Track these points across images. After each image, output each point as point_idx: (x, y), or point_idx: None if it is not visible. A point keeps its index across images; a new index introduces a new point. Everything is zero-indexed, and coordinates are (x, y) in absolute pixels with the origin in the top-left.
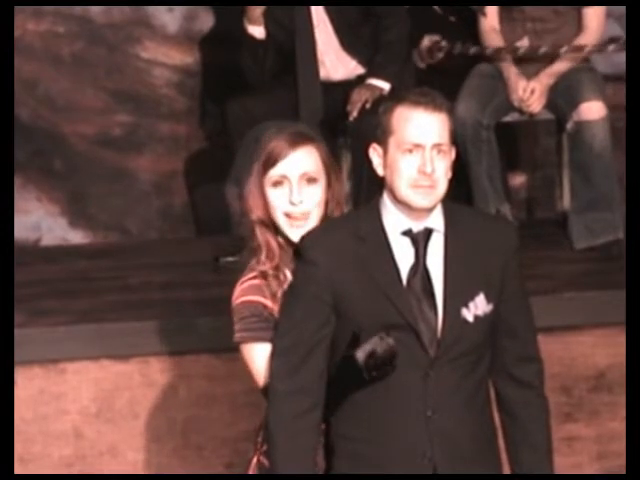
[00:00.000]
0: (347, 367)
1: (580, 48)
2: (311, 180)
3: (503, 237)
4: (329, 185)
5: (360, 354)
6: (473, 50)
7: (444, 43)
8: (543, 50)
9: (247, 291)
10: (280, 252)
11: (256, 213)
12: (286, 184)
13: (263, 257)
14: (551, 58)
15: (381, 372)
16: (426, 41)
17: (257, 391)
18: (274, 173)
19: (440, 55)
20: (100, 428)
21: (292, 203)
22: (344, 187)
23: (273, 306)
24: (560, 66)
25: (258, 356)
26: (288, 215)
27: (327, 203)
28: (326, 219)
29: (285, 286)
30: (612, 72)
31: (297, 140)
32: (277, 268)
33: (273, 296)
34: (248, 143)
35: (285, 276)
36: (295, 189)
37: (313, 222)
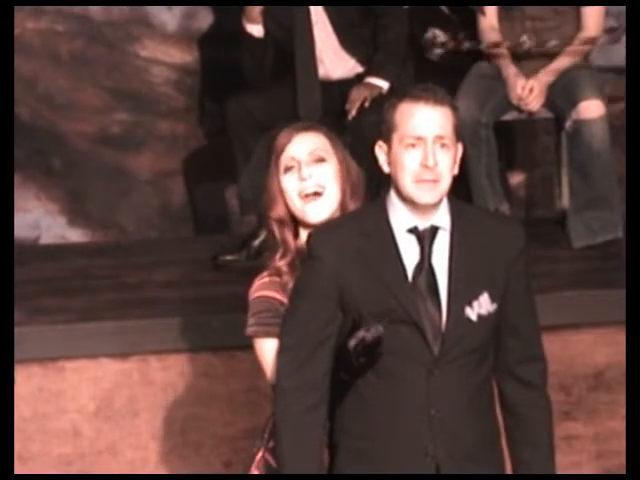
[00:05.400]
0: (341, 355)
1: (585, 41)
2: (319, 160)
3: (510, 237)
4: (342, 170)
5: (352, 341)
6: (468, 45)
7: (443, 38)
8: (530, 45)
9: (264, 286)
10: (296, 250)
11: (275, 211)
12: (296, 168)
13: (279, 254)
14: (550, 56)
15: (369, 359)
16: (428, 34)
17: (256, 389)
18: (284, 157)
19: (438, 51)
20: (99, 426)
21: (302, 179)
22: (360, 175)
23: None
24: (559, 65)
25: (269, 351)
26: (301, 195)
27: (343, 189)
28: (344, 206)
29: None
30: (610, 65)
31: (302, 126)
32: (292, 265)
33: (284, 289)
34: (261, 148)
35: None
36: (304, 166)
37: (328, 201)
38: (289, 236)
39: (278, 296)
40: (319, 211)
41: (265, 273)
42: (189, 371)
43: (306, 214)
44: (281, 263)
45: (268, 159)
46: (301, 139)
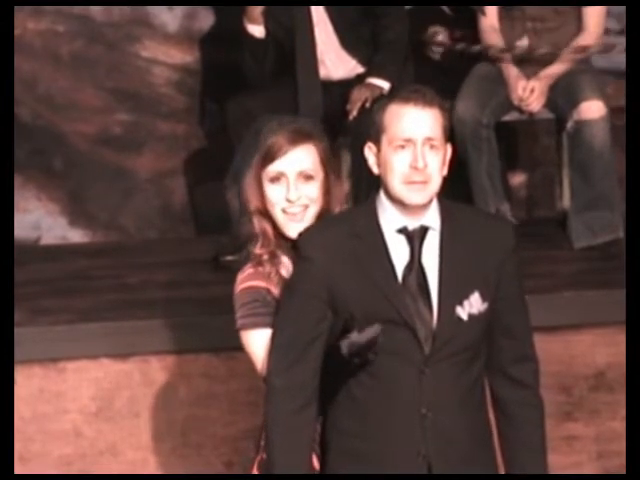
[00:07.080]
0: (333, 356)
1: (580, 50)
2: (308, 178)
3: (500, 236)
4: (328, 183)
5: (344, 342)
6: (471, 48)
7: (442, 38)
8: (542, 51)
9: (248, 278)
10: (276, 239)
11: (254, 204)
12: (283, 181)
13: (259, 244)
14: (550, 59)
15: (362, 359)
16: (428, 34)
17: (256, 389)
18: (272, 169)
19: (439, 50)
20: (100, 427)
21: (289, 200)
22: (344, 185)
23: (274, 289)
24: (560, 65)
25: (258, 342)
26: (285, 211)
27: (326, 200)
28: (325, 214)
29: (281, 269)
30: (611, 67)
31: (296, 138)
32: (272, 254)
33: (268, 278)
34: (249, 137)
35: (281, 261)
36: (292, 186)
37: (310, 218)
38: (268, 226)
39: (264, 284)
40: (300, 229)
41: (248, 265)
42: (189, 371)
43: (288, 230)
44: (261, 252)
45: (252, 150)
46: (292, 155)
